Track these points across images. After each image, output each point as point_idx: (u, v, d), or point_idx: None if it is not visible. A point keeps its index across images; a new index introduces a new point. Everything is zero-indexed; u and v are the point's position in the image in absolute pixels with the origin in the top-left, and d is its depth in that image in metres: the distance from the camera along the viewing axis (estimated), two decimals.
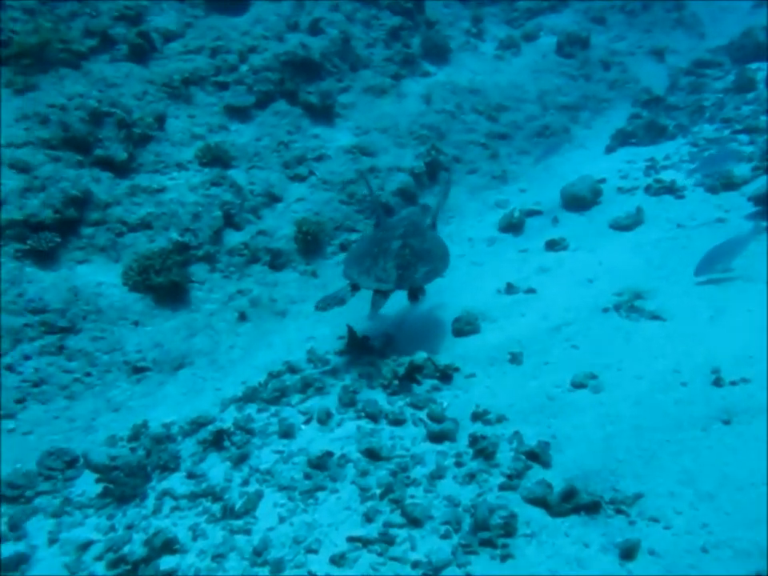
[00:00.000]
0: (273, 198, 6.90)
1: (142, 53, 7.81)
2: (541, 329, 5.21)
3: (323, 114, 8.30)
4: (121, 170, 6.27)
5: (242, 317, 5.66)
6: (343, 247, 6.89)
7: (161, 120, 6.97)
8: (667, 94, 11.04)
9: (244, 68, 8.22)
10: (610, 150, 9.27)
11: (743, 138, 8.48)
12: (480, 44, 11.79)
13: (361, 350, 5.17)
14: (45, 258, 5.24)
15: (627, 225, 6.74)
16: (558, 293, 5.73)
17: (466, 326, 5.32)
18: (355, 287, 5.26)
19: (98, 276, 5.29)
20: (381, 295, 5.19)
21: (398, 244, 5.37)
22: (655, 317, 5.10)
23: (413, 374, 4.69)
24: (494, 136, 9.15)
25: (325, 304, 5.14)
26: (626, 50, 12.74)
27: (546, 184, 8.45)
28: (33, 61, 7.06)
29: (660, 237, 6.37)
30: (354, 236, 7.06)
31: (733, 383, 4.21)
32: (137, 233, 5.77)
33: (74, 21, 7.86)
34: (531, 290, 5.86)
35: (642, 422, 4.03)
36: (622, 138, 9.35)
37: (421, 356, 4.83)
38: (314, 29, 9.43)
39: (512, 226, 7.29)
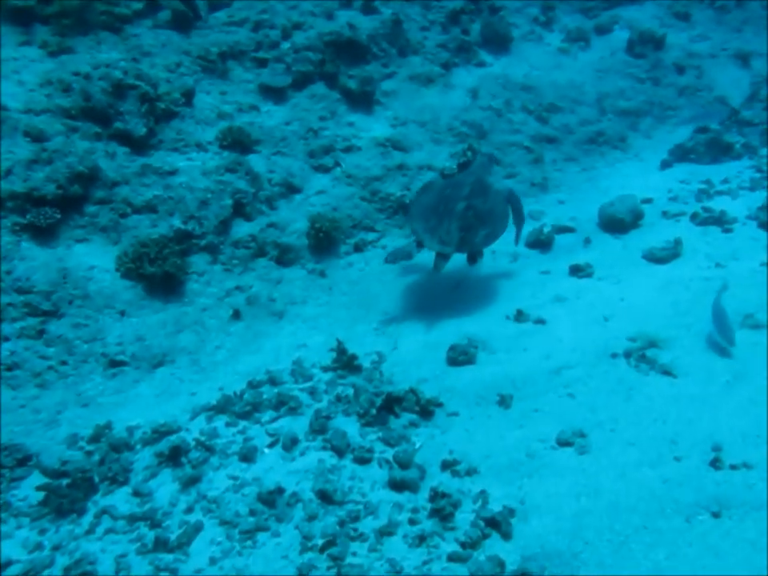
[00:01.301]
0: (291, 189, 6.67)
1: (185, 20, 7.64)
2: (540, 369, 4.87)
3: (362, 100, 7.98)
4: (139, 145, 6.14)
5: (236, 315, 5.49)
6: (357, 247, 6.63)
7: (189, 95, 6.79)
8: (743, 106, 10.22)
9: (285, 45, 7.95)
10: (665, 165, 8.65)
11: None
12: (546, 34, 11.13)
13: (347, 368, 4.94)
14: (43, 234, 5.17)
15: (662, 257, 6.25)
16: (568, 328, 5.35)
17: (460, 356, 5.02)
18: (420, 243, 5.59)
19: (92, 258, 5.18)
20: (442, 257, 5.53)
21: (462, 205, 5.56)
22: (666, 372, 4.69)
23: (391, 406, 4.44)
24: (541, 139, 8.63)
25: (393, 257, 5.64)
26: (708, 51, 11.82)
27: (587, 197, 7.94)
28: (73, 21, 6.96)
29: (694, 276, 5.87)
30: (371, 236, 6.79)
31: (733, 467, 3.81)
32: (141, 215, 5.64)
33: None
34: (541, 321, 5.49)
35: (621, 499, 3.69)
36: (681, 154, 8.71)
37: (402, 387, 4.57)
38: (368, 7, 9.05)
39: (539, 243, 6.87)
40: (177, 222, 5.66)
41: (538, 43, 10.76)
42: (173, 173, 5.96)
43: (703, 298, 5.51)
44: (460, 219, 5.50)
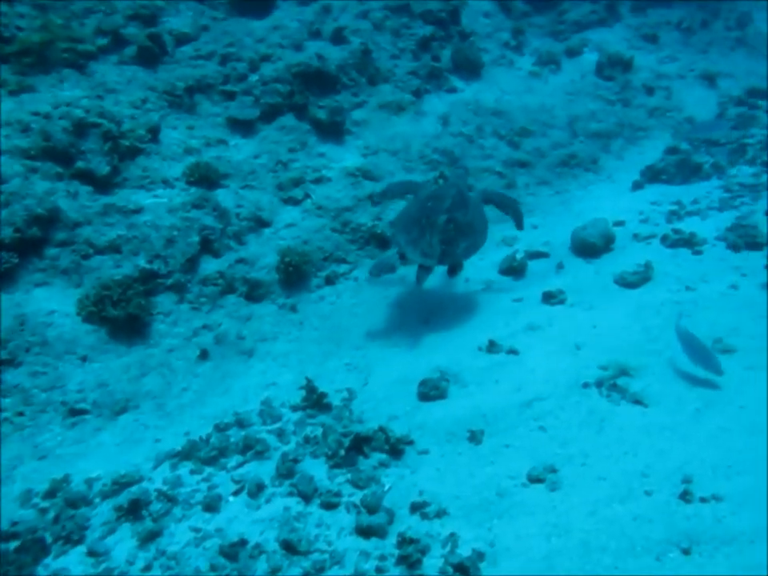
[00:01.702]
0: (260, 223, 6.61)
1: (151, 56, 7.61)
2: (511, 402, 4.80)
3: (332, 130, 7.96)
4: (102, 184, 6.06)
5: (204, 355, 5.40)
6: (329, 280, 6.56)
7: (155, 131, 6.73)
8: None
9: (253, 78, 7.95)
10: (637, 186, 8.69)
11: None
12: (517, 58, 11.24)
13: (317, 407, 4.86)
14: (0, 279, 5.06)
15: (633, 282, 6.23)
16: (540, 358, 5.30)
17: (431, 391, 4.95)
18: (403, 255, 5.76)
19: (52, 303, 5.08)
20: (425, 269, 5.78)
21: (444, 218, 5.65)
22: (637, 401, 4.64)
23: (360, 446, 4.36)
24: (513, 163, 8.66)
25: (377, 270, 5.83)
26: (676, 72, 11.99)
27: (561, 221, 7.95)
28: (34, 60, 6.92)
29: (664, 300, 5.85)
30: (343, 268, 6.73)
31: (703, 500, 3.76)
32: (104, 256, 5.55)
33: (87, 18, 7.69)
34: (513, 351, 5.44)
35: (592, 538, 3.61)
36: (652, 175, 8.77)
37: (372, 426, 4.49)
38: (337, 37, 9.09)
39: (512, 270, 6.84)
40: (141, 262, 5.58)
41: (509, 67, 10.85)
42: (137, 211, 5.89)
43: (673, 323, 5.48)
44: (441, 232, 5.61)
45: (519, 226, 6.69)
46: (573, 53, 11.71)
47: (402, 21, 10.13)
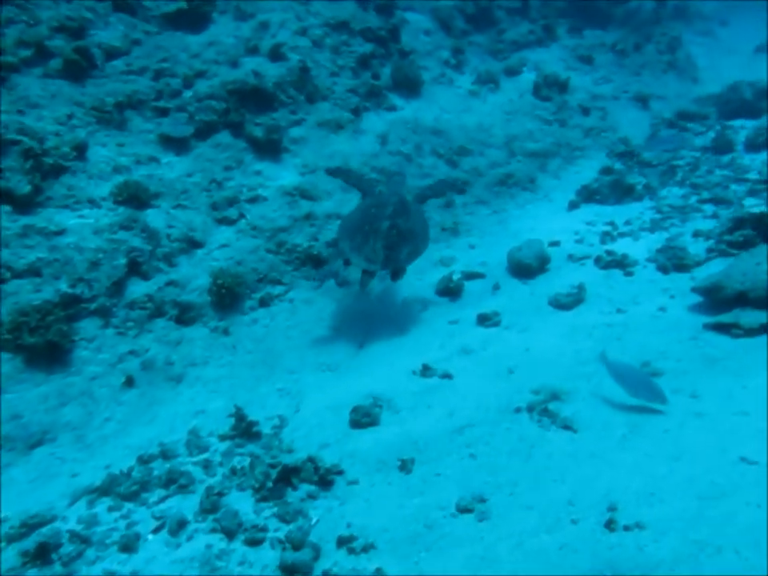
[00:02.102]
0: (192, 244, 6.44)
1: (78, 70, 7.35)
2: (443, 429, 4.77)
3: (269, 148, 7.84)
4: (22, 204, 5.80)
5: (129, 382, 5.20)
6: (263, 302, 6.43)
7: (81, 149, 6.50)
8: (645, 147, 10.62)
9: (188, 94, 7.78)
10: (573, 206, 8.85)
11: (708, 208, 8.06)
12: (457, 77, 11.35)
13: (245, 436, 4.73)
14: None
15: (566, 304, 6.31)
16: (473, 382, 5.29)
17: (363, 418, 4.88)
18: (347, 261, 6.11)
19: None
20: (369, 274, 5.96)
21: (387, 224, 5.83)
22: (566, 426, 4.66)
23: (289, 477, 4.25)
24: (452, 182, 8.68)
25: (321, 276, 6.32)
26: (611, 93, 12.33)
27: (498, 240, 8.03)
28: None
29: (596, 322, 5.94)
30: (277, 289, 6.61)
31: (626, 528, 3.76)
32: (22, 280, 5.30)
33: (8, 28, 7.40)
34: (447, 375, 5.42)
35: (519, 570, 3.59)
36: (587, 195, 8.94)
37: (301, 456, 4.38)
38: (275, 54, 8.99)
39: (449, 291, 6.85)
40: (63, 286, 5.35)
41: (449, 86, 10.94)
42: (60, 233, 5.66)
43: (605, 346, 5.57)
44: (385, 238, 5.77)
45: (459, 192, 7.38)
46: (512, 72, 11.90)
47: (341, 38, 10.11)
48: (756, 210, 6.87)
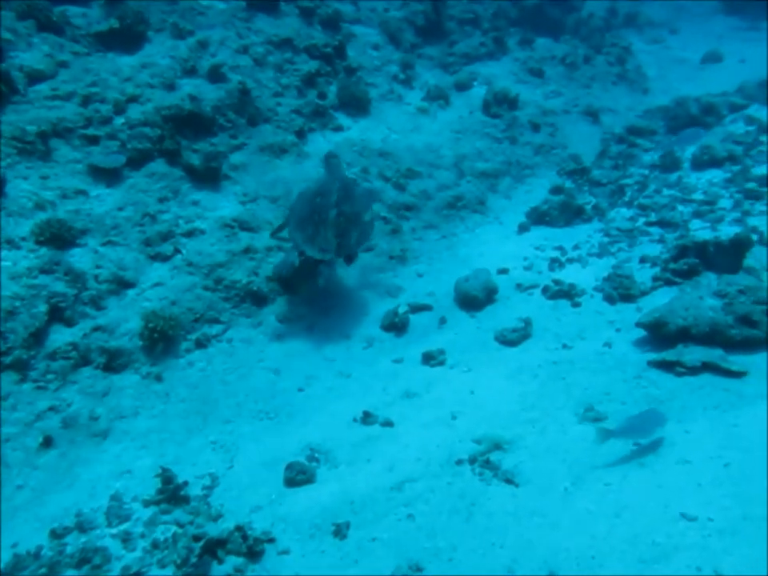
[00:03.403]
0: (123, 284, 6.13)
1: None
2: (382, 485, 4.58)
3: (207, 177, 7.54)
4: None
5: (47, 442, 4.87)
6: (200, 343, 6.15)
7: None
8: (595, 164, 10.58)
9: (119, 121, 7.42)
10: (522, 229, 8.73)
11: (655, 231, 8.02)
12: (406, 92, 11.17)
13: (172, 500, 4.46)
14: None
15: (512, 340, 6.18)
16: (415, 431, 5.12)
17: (298, 476, 4.66)
18: (302, 253, 6.19)
19: None
20: (325, 264, 6.37)
21: (334, 213, 6.11)
22: (508, 480, 4.51)
23: (215, 550, 4.00)
24: (399, 207, 8.52)
25: (279, 269, 6.54)
26: (561, 107, 12.28)
27: (447, 267, 7.87)
28: None
29: (542, 360, 5.81)
30: (215, 329, 6.34)
31: None
32: None
33: None
34: (388, 423, 5.24)
35: None
36: (537, 217, 8.84)
37: (228, 525, 4.14)
38: (215, 74, 8.72)
39: (394, 326, 6.66)
40: None
41: (398, 103, 10.77)
42: None
43: (549, 387, 5.46)
44: (334, 226, 6.06)
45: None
46: (462, 87, 11.78)
47: (285, 56, 9.87)
48: (699, 237, 6.83)
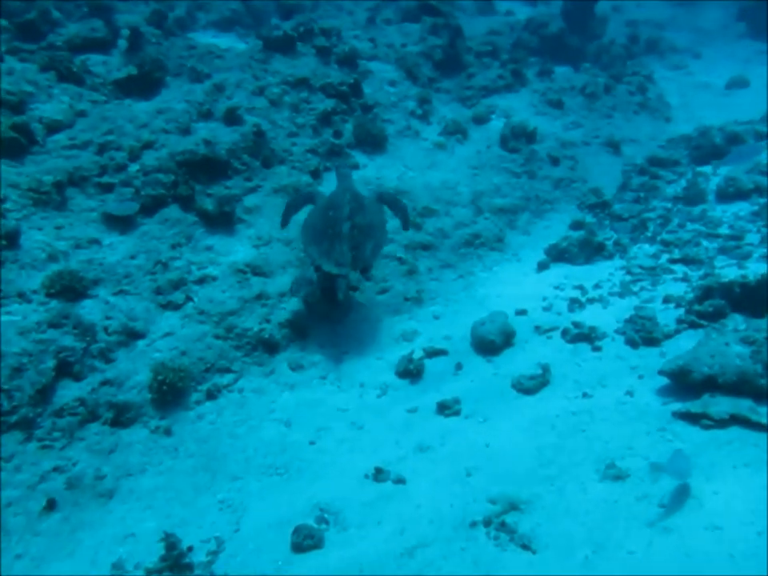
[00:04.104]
0: (133, 335, 6.06)
1: (16, 148, 7.02)
2: (392, 551, 4.38)
3: (221, 221, 7.51)
4: None
5: (51, 505, 4.76)
6: (210, 394, 6.05)
7: (13, 236, 6.15)
8: (616, 197, 10.37)
9: (134, 168, 7.45)
10: (542, 266, 8.54)
11: (679, 268, 7.78)
12: (423, 127, 11.13)
13: (175, 569, 4.32)
14: None
15: (530, 388, 5.97)
16: (427, 489, 4.92)
17: (305, 541, 4.49)
18: (318, 268, 6.25)
19: None
20: (342, 278, 6.26)
21: (347, 226, 6.21)
22: (525, 546, 4.29)
23: None
24: (415, 247, 8.38)
25: (297, 287, 6.43)
26: (581, 139, 12.13)
27: (463, 309, 7.70)
28: None
29: (561, 410, 5.59)
30: (227, 378, 6.23)
31: None
32: None
33: None
34: (401, 480, 5.05)
35: None
36: (557, 254, 8.64)
37: None
38: (231, 117, 8.73)
39: (409, 372, 6.49)
40: None
41: (415, 138, 10.72)
42: None
43: (568, 440, 5.24)
44: (348, 240, 6.16)
45: (405, 227, 7.55)
46: (480, 120, 11.70)
47: (301, 95, 9.91)
48: (724, 278, 6.59)
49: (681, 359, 5.58)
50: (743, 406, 5.16)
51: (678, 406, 5.35)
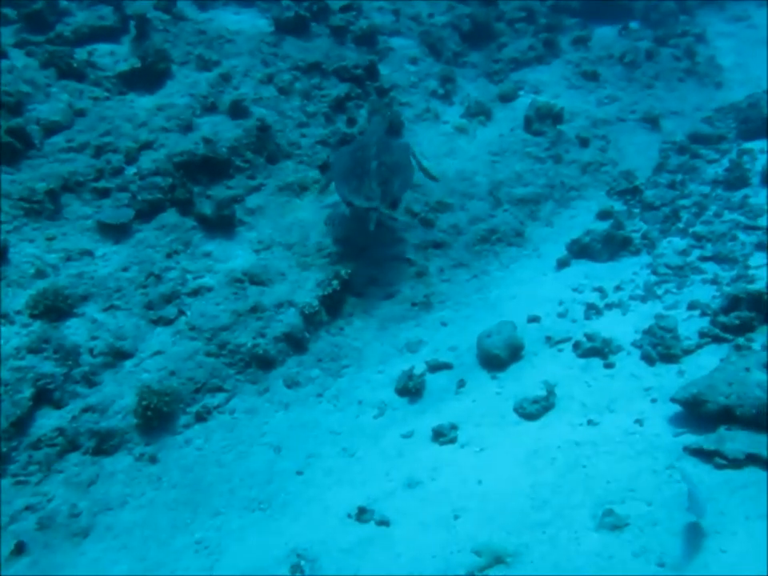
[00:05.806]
0: (120, 355, 5.89)
1: (12, 152, 6.86)
2: None
3: (220, 225, 7.24)
4: None
5: (19, 549, 4.62)
6: (200, 416, 5.85)
7: (1, 252, 6.01)
8: (650, 181, 9.63)
9: (130, 171, 7.24)
10: (562, 264, 8.00)
11: (710, 268, 7.17)
12: (445, 109, 10.57)
13: None
14: None
15: (532, 413, 5.58)
16: (411, 534, 4.64)
17: None
18: (350, 203, 6.82)
19: None
20: (372, 211, 6.68)
21: (375, 164, 6.63)
22: None
23: None
24: (427, 245, 7.96)
25: (331, 221, 7.41)
26: (616, 115, 11.30)
27: (474, 314, 7.29)
28: None
29: (563, 441, 5.20)
30: (218, 398, 6.03)
31: None
32: None
33: None
34: (384, 522, 4.78)
35: None
36: (578, 250, 8.08)
37: None
38: (236, 109, 8.38)
39: (408, 391, 6.17)
40: None
41: (434, 122, 10.21)
42: None
43: (567, 478, 4.86)
44: (377, 176, 6.56)
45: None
46: (506, 98, 11.06)
47: (312, 81, 9.48)
48: (753, 287, 6.01)
49: (695, 386, 5.11)
50: (762, 443, 4.68)
51: (690, 439, 4.92)
